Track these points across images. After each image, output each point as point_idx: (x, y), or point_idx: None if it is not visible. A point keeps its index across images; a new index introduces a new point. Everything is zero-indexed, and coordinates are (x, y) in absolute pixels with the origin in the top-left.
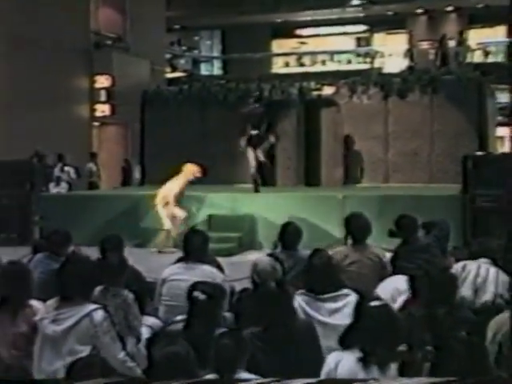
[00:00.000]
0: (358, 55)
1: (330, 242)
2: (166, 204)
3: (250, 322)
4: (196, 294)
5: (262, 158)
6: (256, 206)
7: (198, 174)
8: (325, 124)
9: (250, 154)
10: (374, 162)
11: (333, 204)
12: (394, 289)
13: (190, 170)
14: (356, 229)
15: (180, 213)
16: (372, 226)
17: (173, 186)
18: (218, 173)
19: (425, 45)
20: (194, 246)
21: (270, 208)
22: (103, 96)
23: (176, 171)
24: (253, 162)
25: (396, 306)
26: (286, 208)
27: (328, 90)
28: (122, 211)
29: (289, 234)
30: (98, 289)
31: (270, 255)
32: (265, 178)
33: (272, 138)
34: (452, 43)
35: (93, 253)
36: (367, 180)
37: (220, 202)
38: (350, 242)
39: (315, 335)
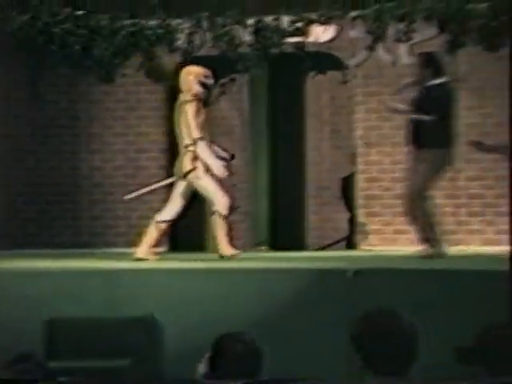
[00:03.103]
0: None
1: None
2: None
3: None
4: None
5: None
6: (161, 297)
7: (208, 79)
8: (312, 109)
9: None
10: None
11: (331, 290)
12: None
13: (195, 73)
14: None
15: (215, 163)
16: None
17: (182, 123)
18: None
19: None
20: None
21: (190, 302)
22: None
23: None
24: (420, 182)
25: None
26: (223, 302)
27: (321, 35)
28: None
29: (229, 363)
30: None
31: None
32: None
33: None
34: None
35: None
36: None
37: (82, 283)
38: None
39: None
